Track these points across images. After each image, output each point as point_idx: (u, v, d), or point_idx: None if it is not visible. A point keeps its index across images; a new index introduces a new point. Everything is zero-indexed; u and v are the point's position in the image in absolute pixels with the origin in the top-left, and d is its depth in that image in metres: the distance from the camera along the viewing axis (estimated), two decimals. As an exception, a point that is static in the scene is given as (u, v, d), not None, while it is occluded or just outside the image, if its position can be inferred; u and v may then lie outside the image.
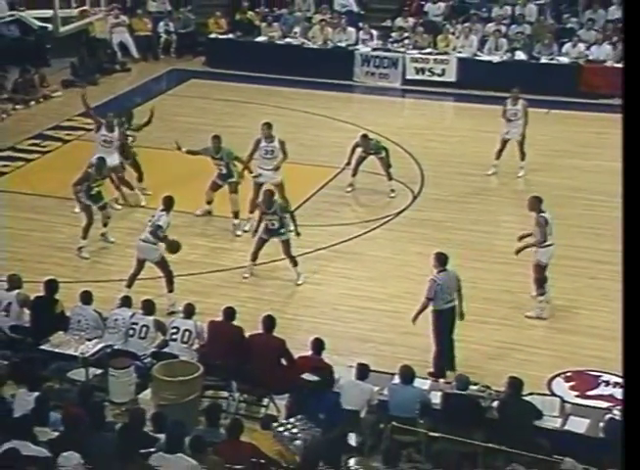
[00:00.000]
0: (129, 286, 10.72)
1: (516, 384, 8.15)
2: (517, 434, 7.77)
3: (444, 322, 9.42)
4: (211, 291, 11.12)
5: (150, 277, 11.15)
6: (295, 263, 11.35)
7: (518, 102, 14.21)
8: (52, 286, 9.67)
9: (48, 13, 19.19)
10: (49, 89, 18.39)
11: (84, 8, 19.64)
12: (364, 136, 13.73)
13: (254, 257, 11.40)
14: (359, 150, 13.72)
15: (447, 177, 14.51)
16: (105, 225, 12.41)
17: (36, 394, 7.75)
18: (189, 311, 9.34)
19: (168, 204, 10.92)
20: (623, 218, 5.02)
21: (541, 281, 10.59)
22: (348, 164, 13.81)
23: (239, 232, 12.61)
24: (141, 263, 10.80)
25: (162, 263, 10.73)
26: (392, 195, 13.76)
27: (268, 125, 12.74)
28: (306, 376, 8.12)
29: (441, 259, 9.50)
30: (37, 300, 9.65)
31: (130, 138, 13.77)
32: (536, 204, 10.60)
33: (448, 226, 12.91)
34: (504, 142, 14.33)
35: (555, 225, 11.89)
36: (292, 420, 7.93)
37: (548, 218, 10.55)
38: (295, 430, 7.77)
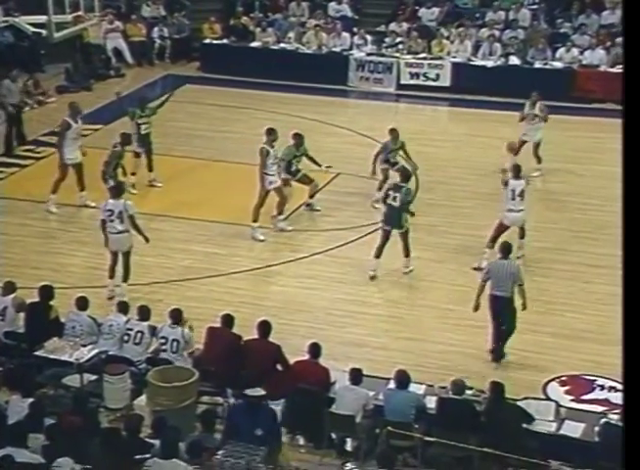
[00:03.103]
0: (111, 277, 11.02)
1: (497, 389, 8.14)
2: (505, 438, 7.76)
3: (494, 308, 9.79)
4: (206, 296, 11.11)
5: (144, 283, 11.17)
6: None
7: (535, 106, 14.40)
8: (47, 292, 9.65)
9: (42, 19, 19.23)
10: (43, 95, 18.36)
11: (78, 14, 19.69)
12: (392, 129, 13.42)
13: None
14: (381, 157, 13.43)
15: (441, 182, 14.52)
16: None
17: (30, 400, 7.73)
18: (175, 317, 9.25)
19: (120, 190, 11.25)
20: (623, 223, 5.02)
21: (494, 238, 11.49)
22: (374, 173, 13.51)
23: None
24: (116, 255, 11.06)
25: (129, 254, 11.03)
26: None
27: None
28: (250, 391, 7.90)
29: (502, 247, 10.06)
30: (32, 305, 9.62)
31: (144, 126, 13.78)
32: (514, 171, 11.59)
33: (443, 231, 12.92)
34: (522, 143, 14.51)
35: (549, 229, 11.97)
36: (228, 447, 7.33)
37: (513, 185, 11.42)
38: (231, 459, 7.25)
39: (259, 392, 7.90)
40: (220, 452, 7.27)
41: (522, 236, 11.78)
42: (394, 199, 11.45)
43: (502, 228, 11.60)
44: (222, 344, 9.00)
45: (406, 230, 11.59)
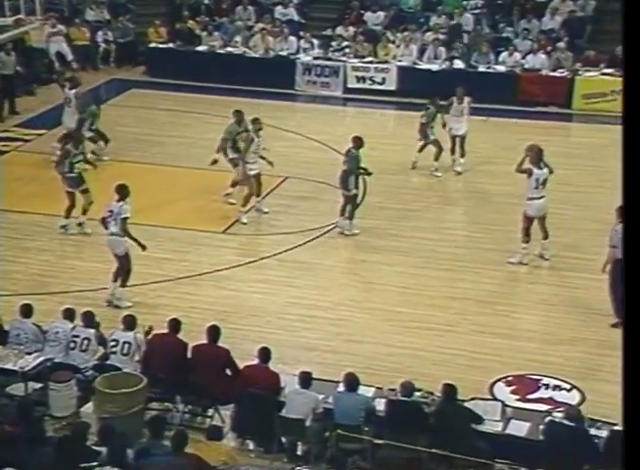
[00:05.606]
0: (113, 281, 10.99)
1: (450, 391, 8.21)
2: (454, 439, 7.83)
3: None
4: (155, 302, 11.01)
5: (89, 289, 11.02)
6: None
7: (463, 100, 14.84)
8: (-10, 300, 9.48)
9: (-18, 22, 18.89)
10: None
11: (19, 16, 19.39)
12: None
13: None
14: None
15: (390, 185, 14.61)
16: (84, 213, 12.52)
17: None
18: (129, 323, 9.19)
19: (124, 192, 10.90)
20: (624, 227, 5.12)
21: (526, 230, 11.84)
22: None
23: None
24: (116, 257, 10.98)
25: (127, 257, 10.88)
26: None
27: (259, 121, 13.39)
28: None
29: (618, 213, 10.23)
30: (-25, 314, 9.44)
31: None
32: (534, 157, 11.65)
33: (392, 234, 12.99)
34: (454, 138, 14.93)
35: (497, 231, 12.09)
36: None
37: (537, 174, 11.55)
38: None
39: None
40: None
41: (545, 237, 11.90)
42: (344, 163, 12.78)
43: (529, 219, 11.81)
44: (168, 350, 8.91)
45: (354, 195, 12.69)
